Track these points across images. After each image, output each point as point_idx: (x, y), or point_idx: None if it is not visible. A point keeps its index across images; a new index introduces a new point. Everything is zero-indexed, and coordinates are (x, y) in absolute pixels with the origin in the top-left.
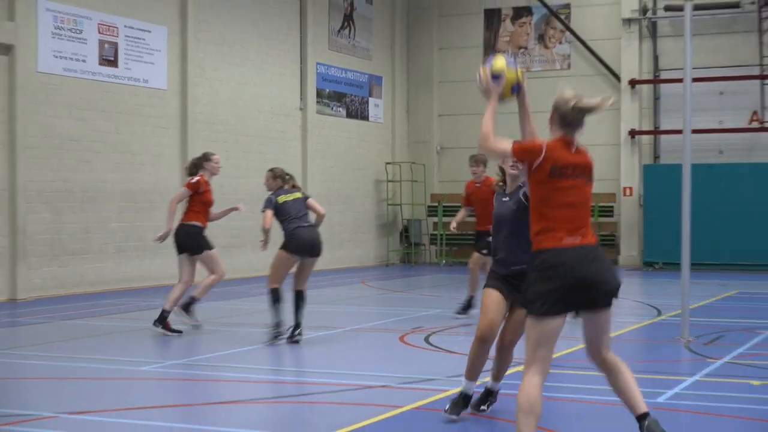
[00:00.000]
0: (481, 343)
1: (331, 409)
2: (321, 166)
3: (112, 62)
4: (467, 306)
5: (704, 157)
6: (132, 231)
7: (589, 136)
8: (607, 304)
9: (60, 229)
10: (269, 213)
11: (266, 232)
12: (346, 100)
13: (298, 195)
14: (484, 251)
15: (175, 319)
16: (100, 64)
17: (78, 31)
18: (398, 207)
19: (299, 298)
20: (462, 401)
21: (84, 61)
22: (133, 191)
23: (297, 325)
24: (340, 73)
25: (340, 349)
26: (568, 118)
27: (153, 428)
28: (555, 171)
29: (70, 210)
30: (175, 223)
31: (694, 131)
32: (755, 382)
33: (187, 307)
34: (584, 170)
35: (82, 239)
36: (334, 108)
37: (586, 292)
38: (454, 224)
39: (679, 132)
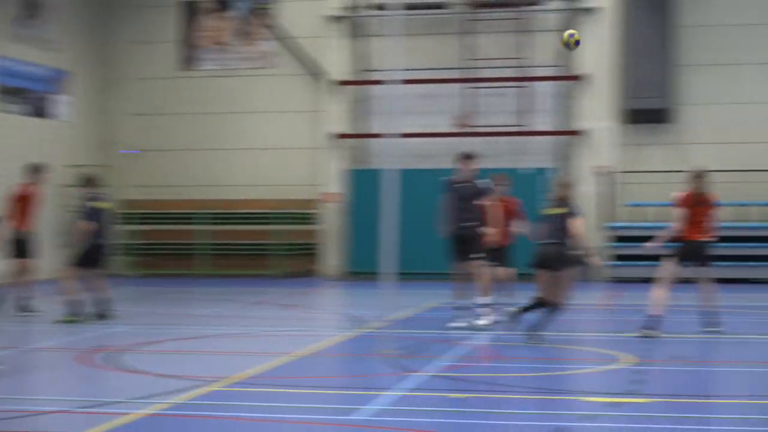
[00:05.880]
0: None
1: None
2: None
3: None
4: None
5: (413, 162)
6: None
7: (284, 139)
8: None
9: None
10: None
11: None
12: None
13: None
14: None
15: None
16: None
17: None
18: None
19: None
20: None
21: None
22: None
23: None
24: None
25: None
26: None
27: None
28: None
29: None
30: None
31: (404, 135)
32: (458, 395)
33: None
34: None
35: None
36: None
37: None
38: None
39: (387, 135)
